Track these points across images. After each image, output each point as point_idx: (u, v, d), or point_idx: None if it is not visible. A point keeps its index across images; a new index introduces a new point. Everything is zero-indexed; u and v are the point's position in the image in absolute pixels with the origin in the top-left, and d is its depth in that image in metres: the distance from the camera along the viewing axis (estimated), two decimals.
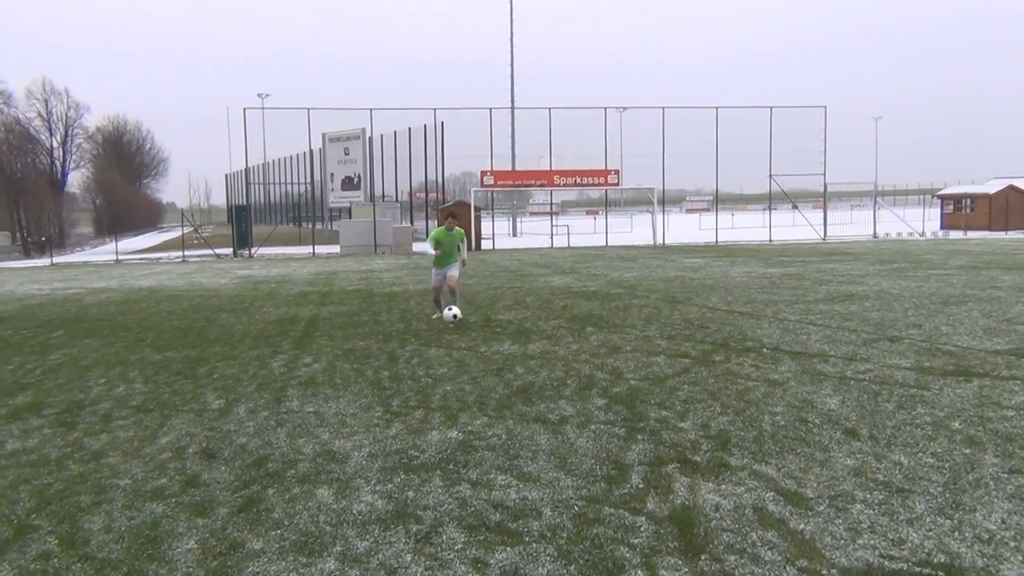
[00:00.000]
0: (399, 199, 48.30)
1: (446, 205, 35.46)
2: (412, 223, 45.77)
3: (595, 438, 5.97)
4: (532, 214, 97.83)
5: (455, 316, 11.41)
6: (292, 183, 65.17)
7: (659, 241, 35.95)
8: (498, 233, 38.74)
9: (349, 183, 42.79)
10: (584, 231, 44.26)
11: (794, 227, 45.65)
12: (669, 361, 8.69)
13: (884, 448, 5.62)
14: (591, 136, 37.81)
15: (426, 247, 12.09)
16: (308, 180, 50.28)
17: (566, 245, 35.67)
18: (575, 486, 5.04)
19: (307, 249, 34.96)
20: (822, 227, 37.37)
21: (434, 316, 12.25)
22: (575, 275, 19.79)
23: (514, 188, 37.56)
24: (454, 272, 11.93)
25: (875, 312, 11.96)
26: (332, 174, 43.83)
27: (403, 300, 15.09)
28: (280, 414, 6.89)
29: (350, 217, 40.82)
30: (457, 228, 11.96)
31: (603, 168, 36.36)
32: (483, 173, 35.15)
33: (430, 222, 45.63)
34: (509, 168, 40.00)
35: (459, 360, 9.02)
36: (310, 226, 43.98)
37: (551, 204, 49.99)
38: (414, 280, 19.42)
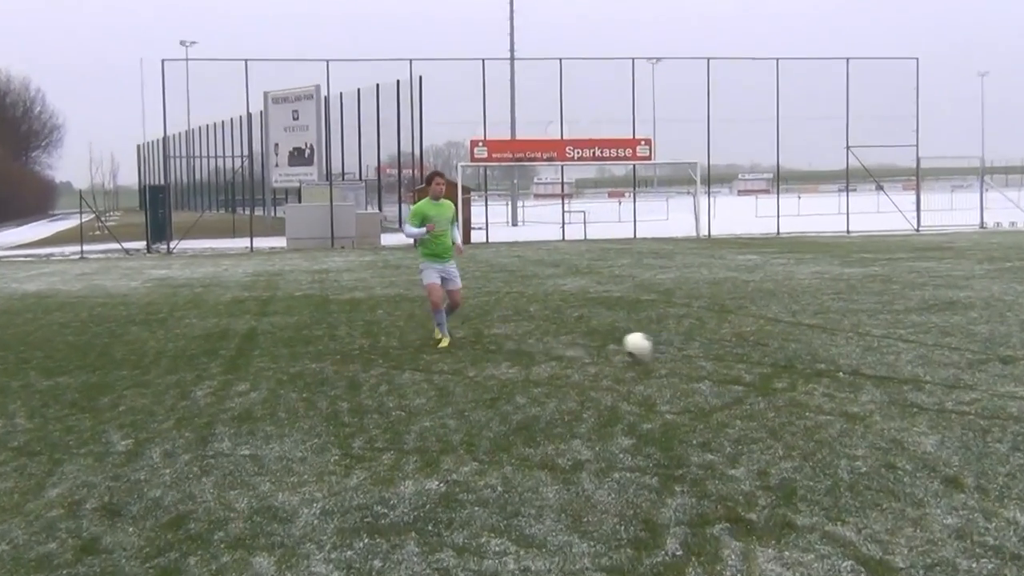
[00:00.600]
0: (364, 177, 48.37)
1: (423, 186, 35.50)
2: (381, 208, 45.83)
3: (619, 490, 5.96)
4: (538, 197, 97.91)
5: (441, 343, 11.09)
6: (224, 156, 65.25)
7: (703, 232, 35.99)
8: (493, 222, 38.75)
9: (299, 156, 42.77)
10: (606, 219, 44.31)
11: (879, 214, 45.59)
12: (716, 389, 8.67)
13: (994, 502, 5.61)
14: (615, 96, 37.88)
15: (406, 231, 11.40)
16: (245, 153, 50.33)
17: (582, 237, 35.71)
18: (592, 553, 5.02)
19: (243, 242, 34.99)
20: (914, 214, 37.43)
21: (439, 342, 11.23)
22: (594, 276, 19.80)
23: (514, 163, 37.61)
24: (457, 279, 11.36)
25: (983, 325, 11.96)
26: (276, 145, 43.80)
27: (368, 309, 15.08)
28: (206, 458, 6.87)
29: (299, 201, 40.85)
30: (444, 200, 11.29)
31: (630, 137, 36.40)
32: (474, 143, 35.18)
33: (404, 207, 45.74)
34: (508, 136, 40.05)
35: (441, 387, 9.00)
36: (247, 212, 44.05)
37: (562, 184, 49.95)
38: (382, 282, 19.43)
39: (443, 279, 11.21)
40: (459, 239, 11.54)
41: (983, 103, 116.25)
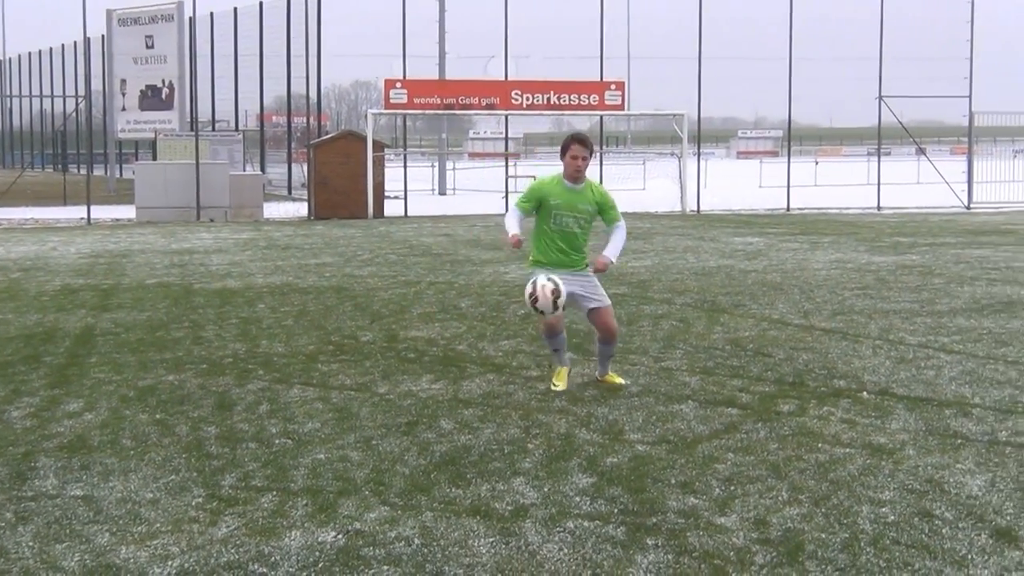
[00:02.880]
0: (242, 127, 48.00)
1: (321, 139, 35.28)
2: (264, 170, 45.50)
3: (573, 543, 6.00)
4: (473, 156, 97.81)
5: (615, 382, 9.68)
6: (52, 96, 64.29)
7: (690, 206, 36.21)
8: (414, 189, 38.58)
9: (154, 98, 42.33)
10: None
11: (919, 185, 46.17)
12: (703, 412, 8.76)
13: None
14: (577, 25, 37.99)
15: (508, 223, 9.33)
16: (80, 92, 49.63)
17: None
18: None
19: (77, 212, 34.55)
20: (964, 187, 37.95)
21: (555, 385, 9.55)
22: None
23: (443, 112, 37.55)
24: (601, 294, 9.51)
25: None
26: (124, 81, 43.32)
27: (245, 303, 14.98)
28: (23, 501, 6.79)
29: (154, 158, 40.42)
30: (592, 181, 9.54)
31: (597, 80, 36.50)
32: (389, 84, 35.07)
33: (295, 167, 45.47)
34: (435, 76, 39.98)
35: (341, 408, 8.99)
36: (83, 172, 43.44)
37: (507, 140, 49.92)
38: (265, 268, 19.30)
39: (559, 293, 9.03)
40: (611, 250, 9.45)
41: None
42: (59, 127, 61.05)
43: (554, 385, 9.49)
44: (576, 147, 9.14)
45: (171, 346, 11.82)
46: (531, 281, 9.13)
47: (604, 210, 9.41)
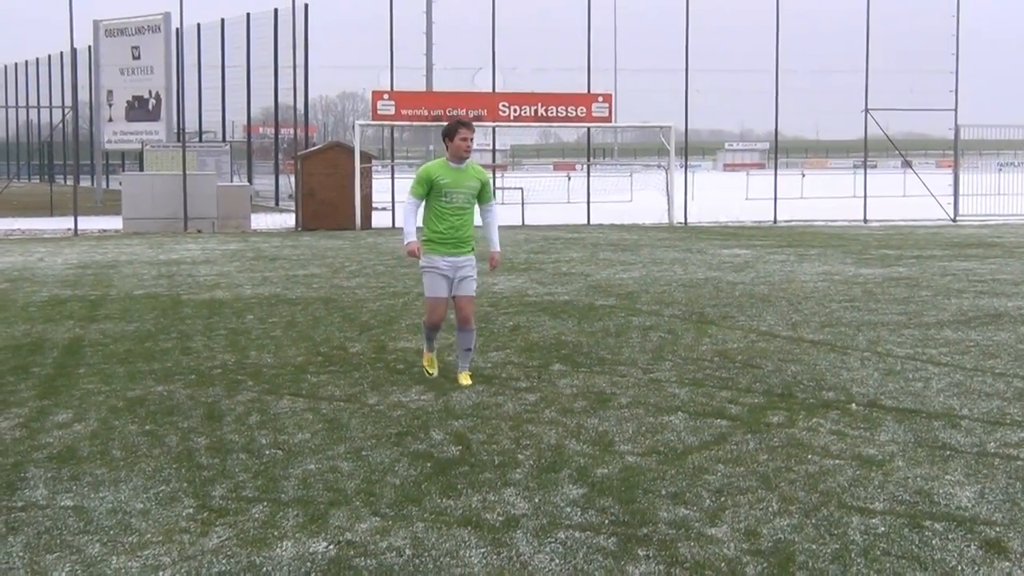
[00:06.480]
0: (229, 138, 47.99)
1: (309, 151, 35.30)
2: (251, 181, 45.50)
3: (565, 554, 6.02)
4: None
5: (463, 381, 10.38)
6: (39, 107, 64.22)
7: (678, 218, 36.27)
8: (402, 200, 38.60)
9: (141, 108, 42.31)
10: (551, 199, 44.45)
11: (905, 199, 46.29)
12: (693, 423, 8.78)
13: None
14: (565, 39, 38.07)
15: (407, 225, 10.39)
16: (67, 103, 49.59)
17: (518, 222, 35.79)
18: None
19: (64, 223, 34.51)
20: (951, 199, 38.08)
21: (429, 371, 10.71)
22: (534, 274, 19.86)
23: (430, 123, 37.59)
24: (471, 283, 10.51)
25: None
26: (111, 92, 43.30)
27: (233, 314, 14.98)
28: (14, 511, 6.79)
29: (141, 169, 40.39)
30: (472, 164, 10.46)
31: (584, 91, 36.58)
32: (377, 96, 35.10)
33: (282, 178, 45.50)
34: (422, 88, 40.04)
35: (331, 419, 8.99)
36: (69, 183, 43.37)
37: (494, 151, 49.95)
38: (253, 279, 19.29)
39: (451, 282, 10.37)
40: (496, 241, 10.76)
41: None
42: (45, 138, 61.02)
43: (430, 372, 10.68)
44: (465, 131, 10.18)
45: (160, 357, 11.82)
46: (435, 288, 10.42)
47: (484, 187, 10.45)
